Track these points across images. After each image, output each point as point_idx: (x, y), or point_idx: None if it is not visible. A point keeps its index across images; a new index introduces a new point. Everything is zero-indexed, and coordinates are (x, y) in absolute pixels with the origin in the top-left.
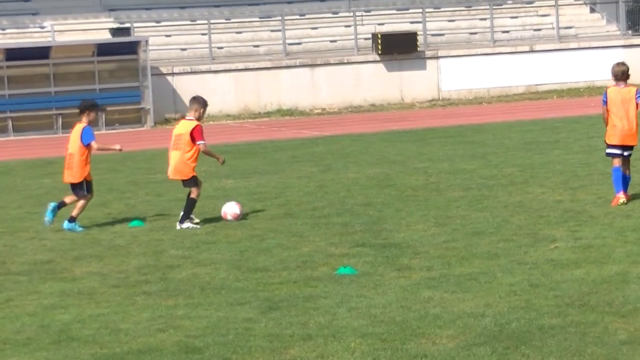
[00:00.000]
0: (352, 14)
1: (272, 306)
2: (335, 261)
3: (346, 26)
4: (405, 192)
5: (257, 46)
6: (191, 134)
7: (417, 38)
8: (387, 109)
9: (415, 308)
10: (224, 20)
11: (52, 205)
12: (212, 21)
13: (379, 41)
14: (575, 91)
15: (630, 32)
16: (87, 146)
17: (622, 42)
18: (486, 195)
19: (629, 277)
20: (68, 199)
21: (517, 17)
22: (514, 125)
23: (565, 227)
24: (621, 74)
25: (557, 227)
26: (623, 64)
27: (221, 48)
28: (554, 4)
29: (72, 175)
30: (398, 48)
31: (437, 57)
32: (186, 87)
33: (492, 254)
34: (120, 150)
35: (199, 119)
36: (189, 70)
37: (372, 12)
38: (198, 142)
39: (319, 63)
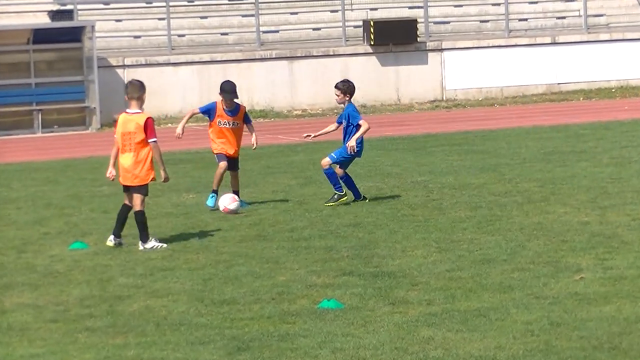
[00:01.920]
0: None
1: (240, 346)
2: (317, 293)
3: (332, 11)
4: (401, 211)
5: (226, 34)
6: (144, 128)
7: (417, 26)
8: (380, 110)
9: (413, 350)
10: (185, 3)
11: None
12: (171, 3)
13: (372, 30)
14: (606, 92)
15: None
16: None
17: None
18: (498, 215)
19: None
20: (232, 186)
21: (537, 3)
22: (531, 132)
23: (592, 255)
24: None
25: (582, 255)
26: None
27: (182, 36)
28: None
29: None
30: (394, 38)
31: (441, 50)
32: None
33: (504, 286)
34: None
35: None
36: (144, 62)
37: None
38: (151, 140)
39: (299, 55)
